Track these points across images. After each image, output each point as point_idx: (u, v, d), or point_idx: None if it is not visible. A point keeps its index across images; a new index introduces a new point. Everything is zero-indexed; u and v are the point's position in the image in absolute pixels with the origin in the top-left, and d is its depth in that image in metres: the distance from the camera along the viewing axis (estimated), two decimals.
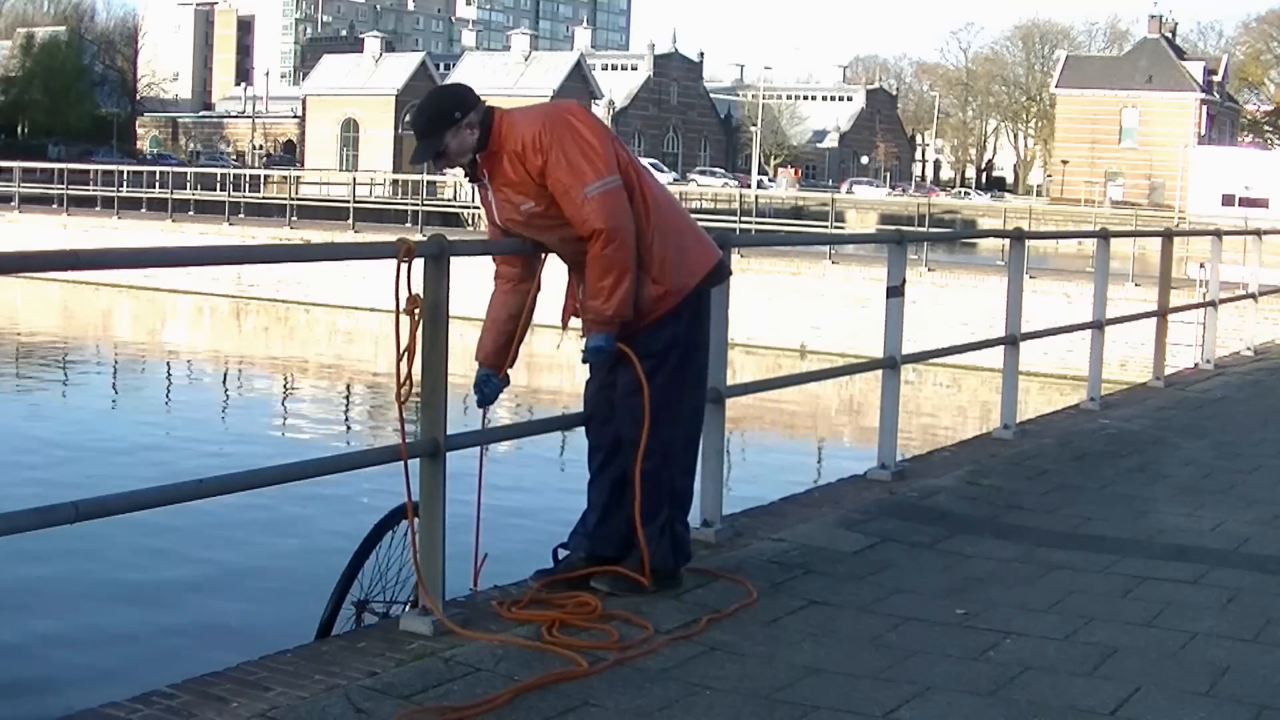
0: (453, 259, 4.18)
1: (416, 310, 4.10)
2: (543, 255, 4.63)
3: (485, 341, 4.65)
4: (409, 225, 35.33)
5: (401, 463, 4.17)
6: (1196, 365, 11.85)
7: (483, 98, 4.49)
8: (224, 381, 24.71)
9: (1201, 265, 19.82)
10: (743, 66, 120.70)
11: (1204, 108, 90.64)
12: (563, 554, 4.72)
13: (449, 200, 54.56)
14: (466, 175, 4.51)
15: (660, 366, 4.52)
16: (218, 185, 44.31)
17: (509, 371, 4.65)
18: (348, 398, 23.18)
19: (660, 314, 4.49)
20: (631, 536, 4.58)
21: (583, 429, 4.78)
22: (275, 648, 4.08)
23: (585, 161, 4.31)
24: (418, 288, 4.11)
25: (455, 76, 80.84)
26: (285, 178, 48.04)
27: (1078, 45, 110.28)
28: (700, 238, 4.65)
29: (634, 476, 4.52)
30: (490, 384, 4.61)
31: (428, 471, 4.23)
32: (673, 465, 4.61)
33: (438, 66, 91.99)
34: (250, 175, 53.32)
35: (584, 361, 4.56)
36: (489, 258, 4.75)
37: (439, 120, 4.40)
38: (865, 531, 5.58)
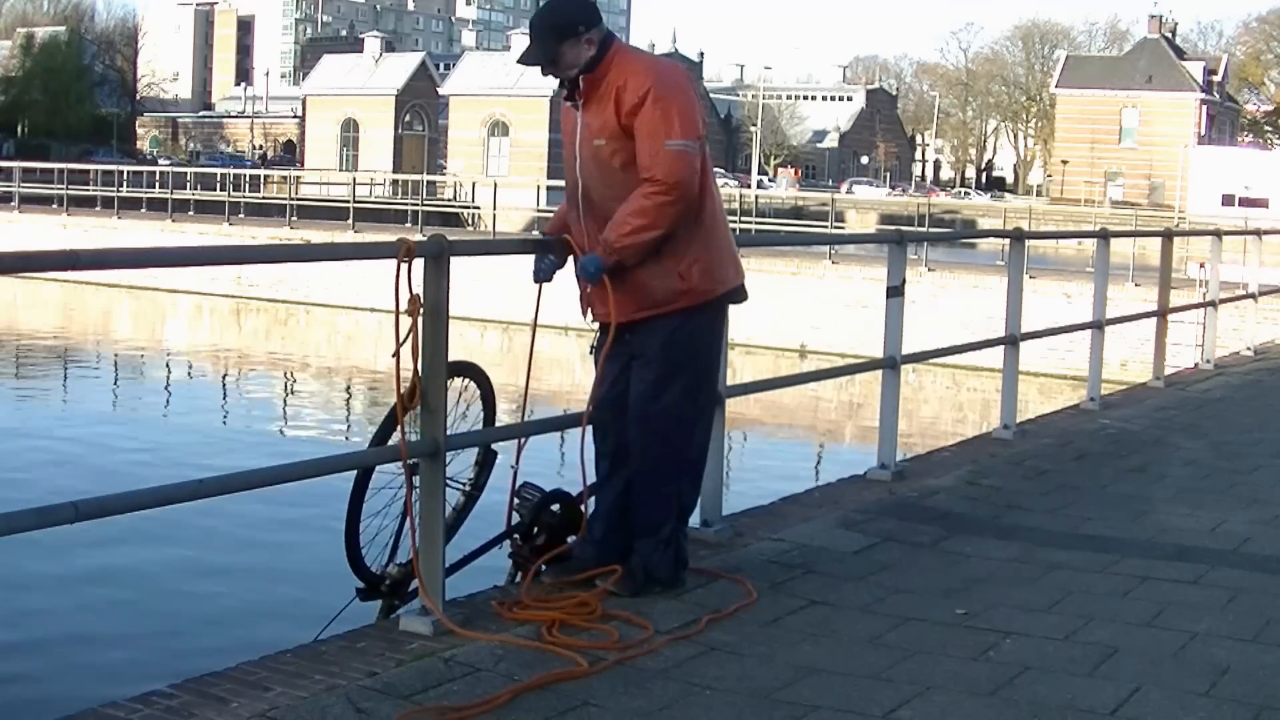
0: (453, 259, 4.18)
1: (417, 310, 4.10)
2: None
3: (557, 216, 4.72)
4: (409, 225, 35.31)
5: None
6: (1196, 365, 11.85)
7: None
8: (224, 382, 24.70)
9: (1201, 265, 19.82)
10: (743, 66, 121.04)
11: (1204, 108, 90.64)
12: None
13: (449, 200, 54.60)
14: (565, 89, 4.46)
15: (679, 377, 4.48)
16: (218, 185, 44.29)
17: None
18: (348, 398, 23.18)
19: (672, 309, 4.45)
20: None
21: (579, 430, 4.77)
22: (275, 648, 4.08)
23: (679, 117, 4.31)
24: (418, 288, 4.11)
25: (455, 76, 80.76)
26: (285, 178, 48.02)
27: (1078, 45, 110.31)
28: (735, 258, 4.64)
29: (641, 486, 4.50)
30: (547, 260, 4.66)
31: (428, 471, 4.24)
32: (682, 478, 4.57)
33: (438, 66, 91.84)
34: (250, 175, 53.29)
35: (576, 276, 4.54)
36: (489, 257, 4.75)
37: (563, 28, 4.37)
38: (865, 531, 5.58)
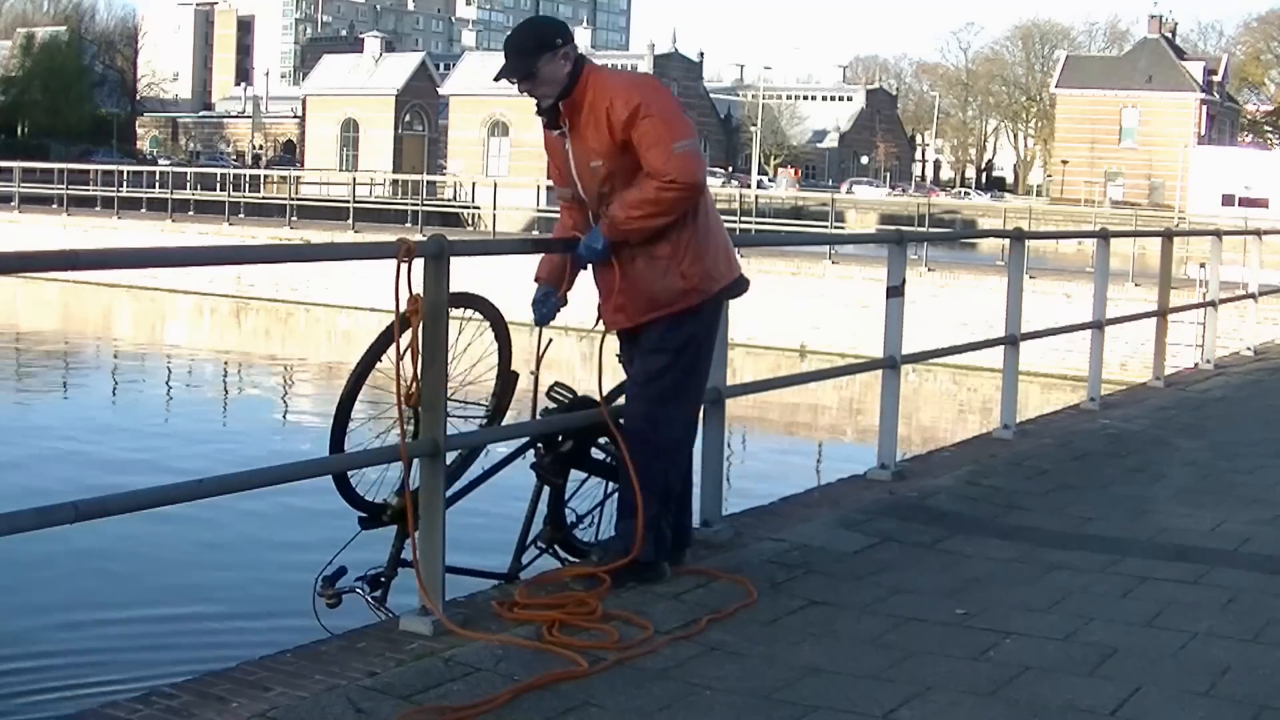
0: (453, 259, 4.18)
1: (417, 310, 4.11)
2: None
3: (561, 225, 4.79)
4: (409, 225, 35.33)
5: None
6: (1196, 365, 11.84)
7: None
8: (224, 381, 24.71)
9: (1201, 265, 19.82)
10: (743, 66, 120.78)
11: (1204, 108, 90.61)
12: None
13: (449, 200, 54.60)
14: (543, 117, 4.54)
15: (674, 364, 4.59)
16: (218, 185, 44.28)
17: (568, 294, 4.74)
18: None
19: (678, 308, 4.56)
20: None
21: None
22: (275, 647, 4.08)
23: (679, 121, 4.46)
24: (417, 288, 4.12)
25: (455, 76, 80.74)
26: (285, 178, 48.02)
27: (1078, 45, 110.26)
28: (731, 250, 4.76)
29: (629, 468, 4.56)
30: (549, 302, 4.71)
31: (427, 472, 4.24)
32: (667, 462, 4.63)
33: (438, 66, 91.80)
34: (250, 175, 53.30)
35: (579, 261, 4.61)
36: (489, 258, 4.77)
37: (541, 43, 4.45)
38: (865, 531, 5.58)
